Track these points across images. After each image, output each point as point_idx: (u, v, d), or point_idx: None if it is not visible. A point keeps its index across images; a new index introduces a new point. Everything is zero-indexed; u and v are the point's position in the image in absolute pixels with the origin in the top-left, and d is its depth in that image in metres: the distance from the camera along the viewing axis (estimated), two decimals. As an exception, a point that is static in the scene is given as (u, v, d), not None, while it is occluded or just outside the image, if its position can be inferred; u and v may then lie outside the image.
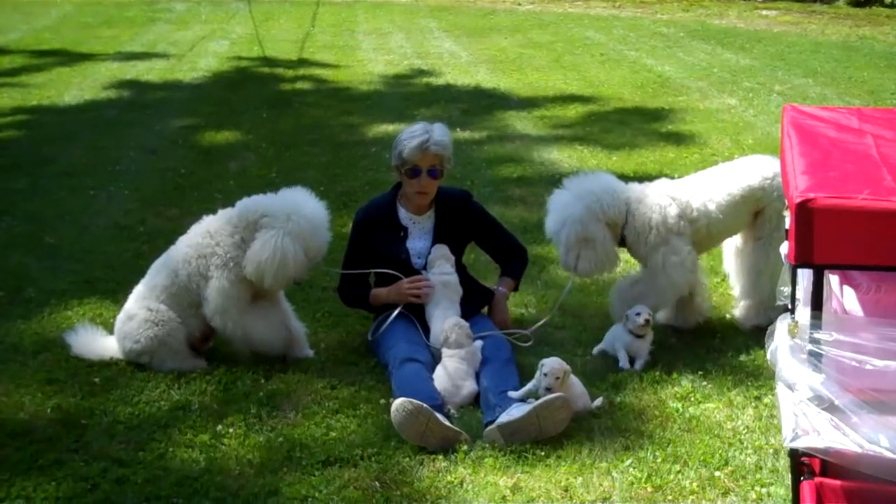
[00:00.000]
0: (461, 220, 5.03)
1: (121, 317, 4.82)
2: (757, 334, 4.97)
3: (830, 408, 2.88)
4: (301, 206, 4.70)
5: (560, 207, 4.96)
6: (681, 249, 4.95)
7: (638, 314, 4.71)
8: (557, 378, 4.19)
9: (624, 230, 4.96)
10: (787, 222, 3.20)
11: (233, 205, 4.85)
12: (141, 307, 4.75)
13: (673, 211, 4.93)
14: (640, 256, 5.06)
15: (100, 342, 4.90)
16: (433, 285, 4.81)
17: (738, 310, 5.27)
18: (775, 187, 5.00)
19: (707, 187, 5.05)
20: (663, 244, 4.93)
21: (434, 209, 4.99)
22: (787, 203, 3.13)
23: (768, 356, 3.03)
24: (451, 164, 4.99)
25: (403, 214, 4.99)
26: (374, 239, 4.96)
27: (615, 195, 4.94)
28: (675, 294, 5.02)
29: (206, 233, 4.75)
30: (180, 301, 4.74)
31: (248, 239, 4.65)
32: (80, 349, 4.85)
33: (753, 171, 5.08)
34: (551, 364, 4.23)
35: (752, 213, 5.10)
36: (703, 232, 5.02)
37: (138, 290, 4.86)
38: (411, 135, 4.86)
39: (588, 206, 4.87)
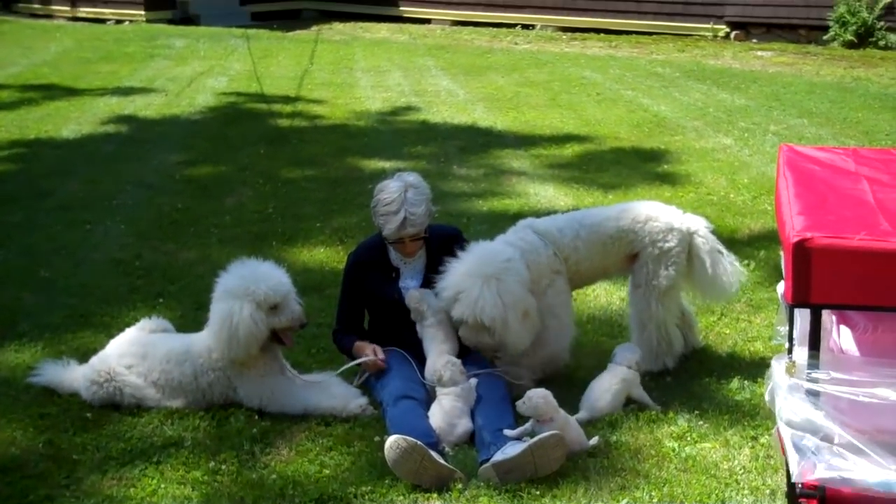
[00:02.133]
0: (452, 258, 4.99)
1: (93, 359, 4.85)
2: (754, 373, 4.96)
3: (830, 446, 2.87)
4: (229, 270, 4.76)
5: (486, 293, 4.59)
6: (564, 289, 4.90)
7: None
8: (523, 403, 4.24)
9: None
10: (783, 262, 3.20)
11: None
12: (100, 362, 4.76)
13: (550, 250, 4.85)
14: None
15: (69, 373, 4.89)
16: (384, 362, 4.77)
17: None
18: (647, 232, 4.92)
19: (574, 225, 4.95)
20: (550, 286, 4.85)
21: (425, 248, 4.98)
22: (781, 243, 3.13)
23: (766, 397, 3.03)
24: (433, 211, 4.92)
25: (394, 255, 4.98)
26: (367, 281, 4.95)
27: (519, 261, 4.73)
28: (566, 340, 4.92)
29: (208, 349, 4.73)
30: (189, 391, 4.72)
31: None
32: (64, 386, 4.83)
33: (626, 213, 4.99)
34: (528, 394, 4.27)
35: (626, 256, 5.01)
36: (573, 269, 4.93)
37: (127, 350, 4.84)
38: (388, 211, 4.73)
39: (519, 280, 4.66)
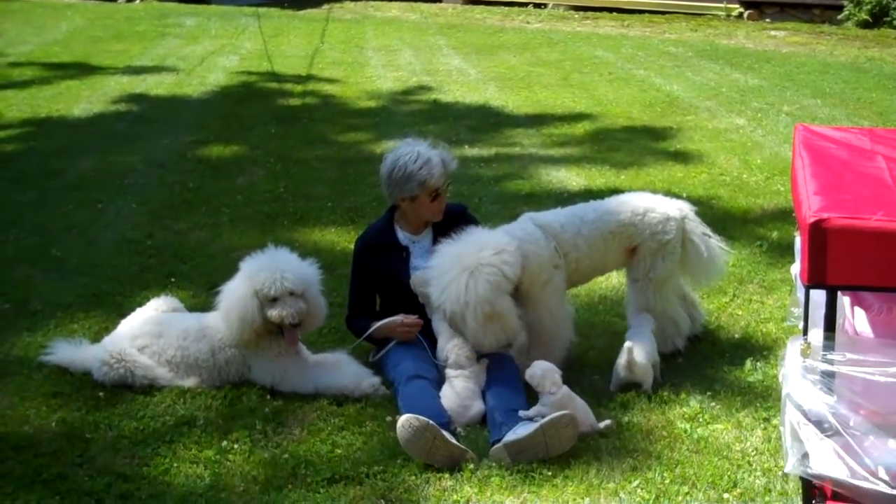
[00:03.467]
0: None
1: (107, 339, 4.87)
2: (766, 354, 4.95)
3: (841, 431, 2.86)
4: (259, 252, 4.80)
5: (455, 283, 4.49)
6: (561, 287, 4.81)
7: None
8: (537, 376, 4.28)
9: (519, 279, 4.65)
10: (798, 242, 3.18)
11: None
12: (112, 343, 4.77)
13: (552, 244, 4.75)
14: (530, 297, 4.73)
15: (81, 352, 4.90)
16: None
17: None
18: (647, 224, 4.85)
19: (575, 221, 4.84)
20: (549, 282, 4.74)
21: (431, 225, 4.97)
22: (797, 223, 3.11)
23: (780, 378, 3.01)
24: None
25: (402, 235, 4.97)
26: (378, 264, 4.93)
27: (510, 251, 4.56)
28: (564, 345, 4.85)
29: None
30: (205, 368, 4.73)
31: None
32: (76, 365, 4.84)
33: (623, 206, 4.90)
34: (535, 363, 4.33)
35: (625, 250, 4.92)
36: (572, 267, 4.82)
37: (141, 330, 4.86)
38: (422, 163, 4.76)
39: (490, 280, 4.48)
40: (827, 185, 3.07)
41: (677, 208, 4.96)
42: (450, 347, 4.57)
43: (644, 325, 4.77)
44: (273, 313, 4.61)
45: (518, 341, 4.87)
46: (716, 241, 5.06)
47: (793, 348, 3.02)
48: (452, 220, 4.94)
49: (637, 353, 4.57)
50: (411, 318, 4.78)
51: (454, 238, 4.68)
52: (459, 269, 4.52)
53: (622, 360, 4.56)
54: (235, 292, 4.65)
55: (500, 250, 4.57)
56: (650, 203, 4.94)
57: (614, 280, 5.88)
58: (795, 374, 2.96)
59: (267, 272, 4.62)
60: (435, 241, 4.92)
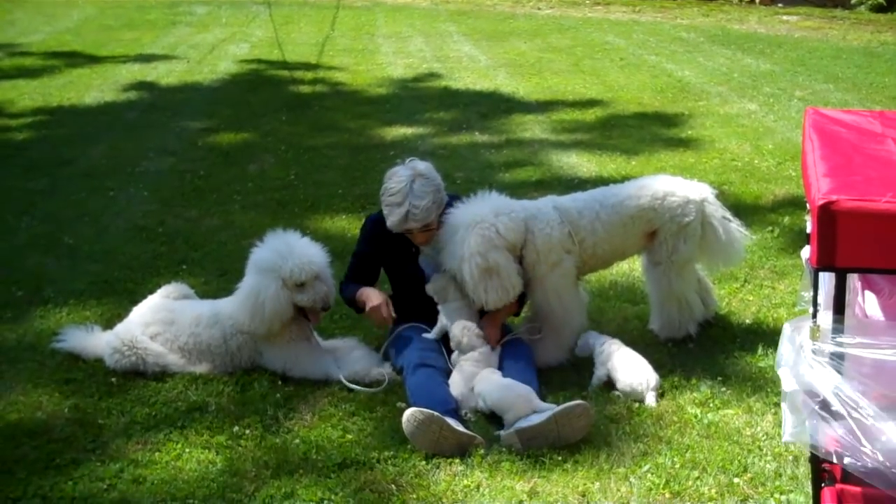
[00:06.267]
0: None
1: (118, 327, 4.88)
2: (777, 340, 4.89)
3: (850, 414, 2.84)
4: (265, 241, 4.76)
5: (451, 239, 4.60)
6: (571, 272, 4.78)
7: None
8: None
9: (523, 251, 4.66)
10: (808, 226, 3.17)
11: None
12: (124, 330, 4.79)
13: (566, 229, 4.73)
14: (536, 277, 4.73)
15: (93, 339, 4.93)
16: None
17: (652, 324, 5.14)
18: (667, 208, 4.83)
19: (594, 206, 4.83)
20: (558, 266, 4.73)
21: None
22: (808, 206, 3.10)
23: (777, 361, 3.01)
24: (444, 201, 4.72)
25: None
26: (388, 256, 4.85)
27: (512, 215, 4.62)
28: (574, 331, 4.83)
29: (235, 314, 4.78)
30: (217, 354, 4.75)
31: None
32: (88, 352, 4.86)
33: (644, 190, 4.88)
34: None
35: (645, 234, 4.90)
36: (589, 252, 4.81)
37: (153, 317, 4.87)
38: (392, 202, 4.59)
39: (482, 234, 4.54)
40: (836, 168, 3.05)
41: (697, 191, 4.95)
42: (459, 331, 4.55)
43: (612, 343, 4.69)
44: (304, 299, 4.62)
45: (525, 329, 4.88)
46: (735, 225, 5.03)
47: (789, 330, 3.01)
48: None
49: (641, 373, 4.53)
50: (387, 311, 4.69)
51: (468, 201, 4.71)
52: (463, 228, 4.57)
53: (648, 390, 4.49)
54: (265, 290, 4.60)
55: (501, 213, 4.61)
56: (670, 186, 4.92)
57: (624, 266, 5.87)
58: (794, 355, 2.96)
59: (291, 259, 4.62)
60: None
